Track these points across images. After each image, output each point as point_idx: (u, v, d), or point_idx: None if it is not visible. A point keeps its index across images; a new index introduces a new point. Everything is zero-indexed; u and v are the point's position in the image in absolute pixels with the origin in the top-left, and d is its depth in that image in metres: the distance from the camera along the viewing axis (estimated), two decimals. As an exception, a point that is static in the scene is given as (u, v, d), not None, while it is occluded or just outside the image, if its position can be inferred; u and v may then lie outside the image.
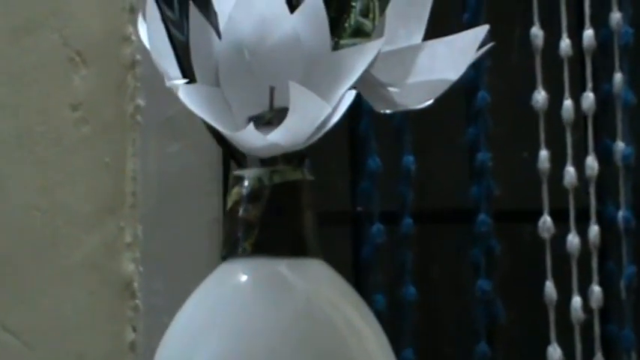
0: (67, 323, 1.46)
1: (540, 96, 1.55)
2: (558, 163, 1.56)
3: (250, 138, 0.73)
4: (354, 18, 0.77)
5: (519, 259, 1.62)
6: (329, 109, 0.74)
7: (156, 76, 0.81)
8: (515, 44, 1.64)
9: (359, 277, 1.56)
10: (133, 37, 1.49)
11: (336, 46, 0.77)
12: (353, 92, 0.74)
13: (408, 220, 1.53)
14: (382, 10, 0.77)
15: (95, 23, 1.48)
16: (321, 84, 0.75)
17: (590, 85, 1.58)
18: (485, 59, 1.54)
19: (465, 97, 1.57)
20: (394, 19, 0.80)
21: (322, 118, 0.74)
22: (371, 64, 0.76)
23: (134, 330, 1.46)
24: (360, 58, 0.75)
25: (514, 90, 1.63)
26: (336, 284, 0.82)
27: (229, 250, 0.79)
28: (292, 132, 0.73)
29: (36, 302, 1.45)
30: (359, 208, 1.57)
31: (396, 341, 1.51)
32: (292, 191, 0.79)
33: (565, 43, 1.56)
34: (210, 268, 0.81)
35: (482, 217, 1.55)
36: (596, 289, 1.55)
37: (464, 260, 1.58)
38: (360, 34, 0.77)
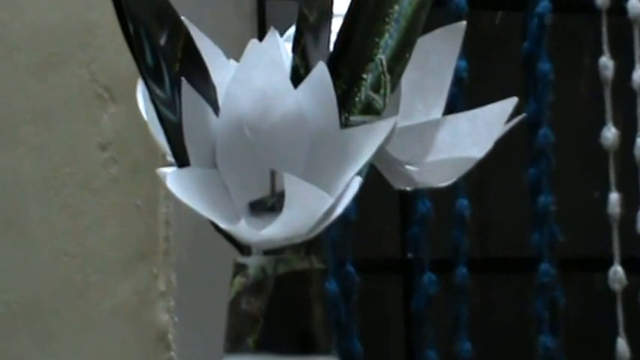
0: None
1: (610, 133, 1.56)
2: (631, 206, 1.58)
3: (244, 233, 0.72)
4: (364, 92, 0.76)
5: (587, 312, 1.61)
6: (331, 201, 0.73)
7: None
8: (583, 75, 1.65)
9: (410, 330, 1.58)
10: None
11: (345, 123, 0.76)
12: (359, 180, 0.73)
13: (462, 269, 1.54)
14: (393, 86, 0.76)
15: (124, 57, 1.46)
16: (327, 166, 0.75)
17: None
18: (549, 92, 1.56)
19: (527, 134, 1.58)
20: (410, 91, 0.79)
21: (324, 210, 0.72)
22: (382, 145, 0.74)
23: None
24: (370, 139, 0.74)
25: (581, 126, 1.64)
26: None
27: (232, 345, 0.77)
28: (290, 226, 0.72)
29: (65, 353, 1.46)
30: (409, 255, 1.59)
31: None
32: (299, 282, 0.77)
33: (638, 74, 1.57)
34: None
35: (544, 266, 1.55)
36: None
37: (525, 313, 1.58)
38: (371, 111, 0.76)
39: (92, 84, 1.47)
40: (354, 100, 0.76)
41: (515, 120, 0.80)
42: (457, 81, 1.52)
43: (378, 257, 1.57)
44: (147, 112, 0.79)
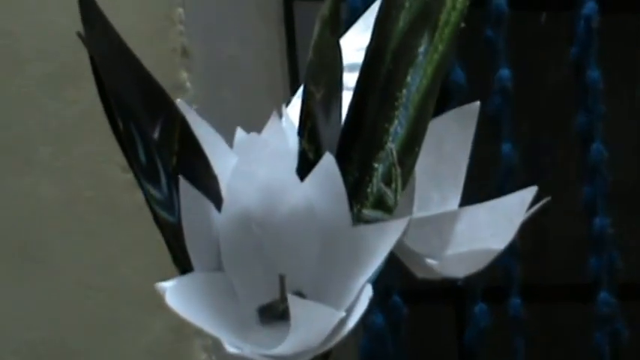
0: None
1: None
2: None
3: (251, 354, 0.72)
4: (376, 183, 0.76)
5: None
6: (341, 315, 0.73)
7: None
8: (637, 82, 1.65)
9: None
10: (187, 84, 1.49)
11: (358, 216, 0.76)
12: (370, 290, 0.73)
13: (516, 300, 1.53)
14: (405, 181, 0.77)
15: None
16: (339, 268, 0.75)
17: None
18: (600, 104, 1.54)
19: (579, 149, 1.57)
20: (425, 178, 0.80)
21: (333, 325, 0.72)
22: (395, 246, 0.74)
23: None
24: (382, 240, 0.74)
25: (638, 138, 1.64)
26: None
27: None
28: (300, 345, 0.72)
29: None
30: (459, 284, 1.57)
31: None
32: None
33: None
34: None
35: (604, 294, 1.54)
36: None
37: (586, 345, 1.57)
38: (383, 206, 0.76)
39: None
40: (365, 192, 0.77)
41: (538, 206, 0.81)
42: (501, 90, 1.53)
43: (427, 286, 1.58)
44: None
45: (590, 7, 1.54)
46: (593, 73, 1.54)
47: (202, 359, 1.50)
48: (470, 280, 1.50)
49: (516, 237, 1.56)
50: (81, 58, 1.49)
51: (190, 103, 1.40)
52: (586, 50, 1.55)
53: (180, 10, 1.50)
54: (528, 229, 1.59)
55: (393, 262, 0.77)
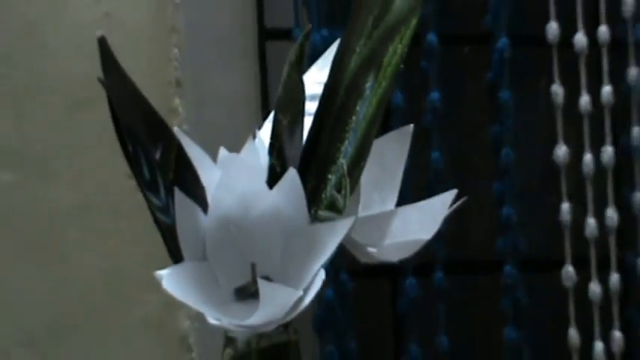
0: None
1: (561, 151, 1.55)
2: (580, 214, 1.56)
3: (229, 327, 0.73)
4: (329, 190, 0.76)
5: (545, 306, 1.60)
6: (299, 294, 0.73)
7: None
8: (539, 101, 1.63)
9: (398, 328, 1.57)
10: (180, 109, 1.47)
11: (315, 216, 0.75)
12: (323, 274, 0.73)
13: (439, 274, 1.53)
14: (352, 189, 0.76)
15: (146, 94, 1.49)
16: (298, 258, 0.74)
17: (609, 138, 1.57)
18: (509, 116, 1.55)
19: (492, 153, 1.57)
20: (369, 185, 0.78)
21: (293, 302, 0.72)
22: (343, 239, 0.74)
23: None
24: (333, 235, 0.74)
25: (539, 145, 1.63)
26: None
27: None
28: (266, 318, 0.72)
29: (104, 356, 1.46)
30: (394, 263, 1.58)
31: None
32: (279, 353, 0.77)
33: (584, 100, 1.56)
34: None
35: (508, 268, 1.55)
36: (617, 334, 1.55)
37: (495, 310, 1.56)
38: (334, 208, 0.75)
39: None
40: (321, 197, 0.76)
41: (457, 204, 0.81)
42: (432, 110, 1.53)
43: (369, 265, 1.58)
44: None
45: (503, 41, 1.54)
46: (505, 94, 1.55)
47: (186, 326, 1.47)
48: (402, 259, 1.50)
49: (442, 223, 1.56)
50: (93, 91, 1.48)
51: (181, 124, 1.43)
52: (499, 75, 1.55)
53: (176, 50, 1.48)
54: (452, 216, 1.61)
55: (342, 248, 0.77)
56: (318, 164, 0.77)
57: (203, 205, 0.75)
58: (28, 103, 1.46)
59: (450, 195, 0.80)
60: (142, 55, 1.48)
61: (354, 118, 0.77)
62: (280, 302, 0.72)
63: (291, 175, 0.73)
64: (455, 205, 0.80)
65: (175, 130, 0.76)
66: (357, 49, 0.77)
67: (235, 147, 0.77)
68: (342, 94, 0.77)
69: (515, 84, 1.56)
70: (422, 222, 0.80)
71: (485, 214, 1.61)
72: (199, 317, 1.44)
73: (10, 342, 1.43)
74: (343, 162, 0.76)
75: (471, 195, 1.70)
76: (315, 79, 0.81)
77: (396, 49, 0.76)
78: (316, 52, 1.45)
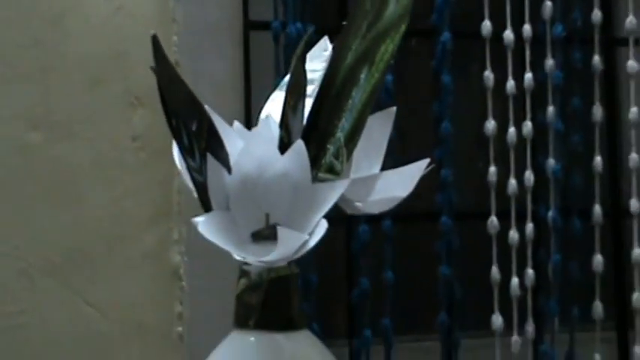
0: (131, 299, 1.45)
1: (490, 125, 1.57)
2: (503, 175, 1.57)
3: (252, 261, 0.75)
4: (328, 157, 0.77)
5: (473, 249, 1.60)
6: (305, 238, 0.74)
7: None
8: (474, 84, 1.62)
9: (351, 265, 1.56)
10: None
11: (316, 177, 0.77)
12: (325, 223, 0.74)
13: (387, 222, 1.52)
14: (349, 156, 0.77)
15: (149, 75, 1.42)
16: (303, 210, 0.75)
17: (529, 115, 1.58)
18: (449, 96, 1.55)
19: (434, 126, 1.57)
20: (359, 154, 0.80)
21: (301, 243, 0.74)
22: (340, 196, 0.76)
23: (181, 304, 1.46)
24: (332, 192, 0.76)
25: (472, 120, 1.63)
26: (317, 349, 0.81)
27: (239, 323, 0.79)
28: (281, 256, 0.74)
29: (109, 284, 1.44)
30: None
31: (377, 313, 1.51)
32: (283, 283, 0.79)
33: (510, 84, 1.57)
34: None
35: (444, 219, 1.55)
36: (530, 271, 1.56)
37: (432, 252, 1.57)
38: (332, 171, 0.77)
39: (126, 94, 1.45)
40: (321, 162, 0.78)
41: (427, 170, 0.82)
42: (386, 90, 1.49)
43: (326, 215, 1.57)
44: (180, 164, 0.80)
45: (446, 35, 1.54)
46: (446, 78, 1.55)
47: (177, 260, 1.45)
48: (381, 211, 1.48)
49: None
50: (108, 69, 1.42)
51: None
52: (441, 62, 1.55)
53: (175, 37, 1.46)
54: None
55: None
56: (318, 137, 0.78)
57: (227, 167, 0.76)
58: (53, 79, 1.43)
59: (423, 163, 0.82)
60: (147, 40, 1.40)
61: (350, 101, 0.78)
62: (291, 244, 0.74)
63: (298, 145, 0.75)
64: (426, 170, 0.82)
65: (207, 108, 0.77)
66: (353, 47, 0.78)
67: (222, 115, 0.78)
68: (339, 83, 0.78)
69: (453, 70, 1.56)
70: (401, 183, 0.81)
71: (427, 175, 1.62)
72: (188, 253, 1.45)
73: (35, 269, 1.40)
74: (341, 136, 0.77)
75: (412, 160, 1.68)
76: (311, 67, 0.82)
77: (387, 49, 0.78)
78: (291, 41, 1.49)
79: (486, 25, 1.56)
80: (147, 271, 1.46)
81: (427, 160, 0.81)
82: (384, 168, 0.81)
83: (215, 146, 0.76)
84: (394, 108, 0.82)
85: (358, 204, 0.81)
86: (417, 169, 0.81)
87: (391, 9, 0.77)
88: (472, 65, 1.64)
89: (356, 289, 1.52)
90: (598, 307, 1.56)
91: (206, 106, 0.77)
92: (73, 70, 1.44)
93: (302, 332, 0.80)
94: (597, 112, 1.60)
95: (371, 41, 0.78)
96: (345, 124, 0.78)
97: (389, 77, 1.49)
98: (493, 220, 1.55)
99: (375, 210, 0.81)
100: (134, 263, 1.46)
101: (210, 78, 1.48)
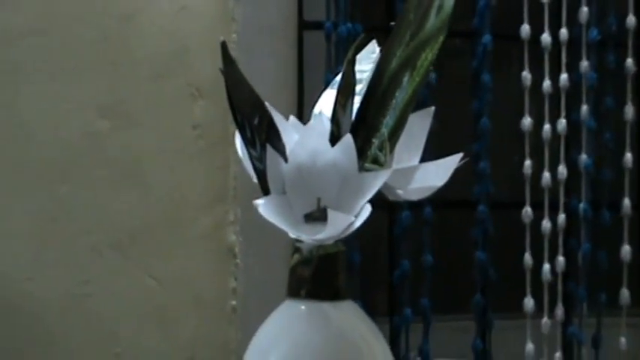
0: (190, 274, 1.48)
1: (527, 121, 1.60)
2: (538, 169, 1.60)
3: (305, 239, 0.78)
4: (373, 150, 0.80)
5: (507, 237, 1.62)
6: (352, 219, 0.77)
7: None
8: (512, 83, 1.64)
9: (392, 248, 1.59)
10: None
11: (362, 167, 0.79)
12: (369, 207, 0.77)
13: (428, 209, 1.56)
14: (392, 149, 0.80)
15: (207, 69, 1.47)
16: (350, 196, 0.78)
17: (563, 114, 1.61)
18: (488, 94, 1.58)
19: (473, 122, 1.60)
20: (401, 147, 0.82)
21: (348, 224, 0.77)
22: (384, 184, 0.78)
23: (235, 280, 1.49)
24: (375, 180, 0.78)
25: (510, 116, 1.65)
26: (359, 317, 0.84)
27: (291, 293, 0.83)
28: (329, 235, 0.77)
29: (170, 260, 1.47)
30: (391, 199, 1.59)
31: (416, 293, 1.54)
32: (331, 259, 0.82)
33: (546, 84, 1.60)
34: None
35: (481, 207, 1.59)
36: (560, 259, 1.60)
37: (468, 237, 1.60)
38: (377, 162, 0.80)
39: (188, 87, 1.49)
40: (367, 154, 0.80)
41: (462, 162, 0.83)
42: (427, 85, 1.50)
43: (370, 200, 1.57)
44: (242, 153, 0.83)
45: (486, 37, 1.57)
46: (485, 77, 1.58)
47: (233, 239, 1.49)
48: (419, 199, 1.48)
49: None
50: (171, 64, 1.44)
51: None
52: (482, 63, 1.58)
53: (234, 35, 1.50)
54: None
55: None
56: (365, 131, 0.80)
57: (284, 156, 0.79)
58: (121, 72, 1.46)
59: (457, 157, 0.83)
60: (209, 38, 1.47)
61: (393, 101, 0.81)
62: (339, 224, 0.77)
63: (347, 138, 0.78)
64: (460, 163, 0.84)
65: (267, 105, 0.79)
66: (397, 54, 0.81)
67: (277, 109, 0.80)
68: (385, 84, 0.81)
69: (493, 70, 1.58)
70: (437, 173, 0.83)
71: (466, 166, 1.64)
72: (242, 233, 1.49)
73: (104, 244, 1.44)
74: (385, 131, 0.80)
75: (454, 153, 1.69)
76: (359, 68, 0.84)
77: (427, 56, 0.81)
78: (342, 40, 1.55)
79: (525, 29, 1.59)
80: (204, 249, 1.49)
81: (461, 154, 0.83)
82: (422, 160, 0.85)
83: (274, 138, 0.79)
84: (432, 108, 0.84)
85: (399, 191, 0.82)
86: (452, 161, 0.83)
87: (432, 21, 0.81)
88: (510, 66, 1.66)
89: (397, 270, 1.55)
90: (625, 293, 1.60)
91: (266, 103, 0.79)
92: (140, 64, 1.46)
93: (347, 302, 0.83)
94: (629, 111, 1.63)
95: (413, 49, 0.80)
96: (389, 120, 0.80)
97: (432, 75, 1.52)
98: (527, 210, 1.59)
99: (414, 197, 0.83)
100: (193, 242, 1.49)
101: (266, 74, 1.51)
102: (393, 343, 1.57)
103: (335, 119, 0.80)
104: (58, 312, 1.42)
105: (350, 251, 1.51)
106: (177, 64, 1.48)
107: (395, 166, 0.82)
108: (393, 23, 1.38)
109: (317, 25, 1.54)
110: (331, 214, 0.77)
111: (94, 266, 1.44)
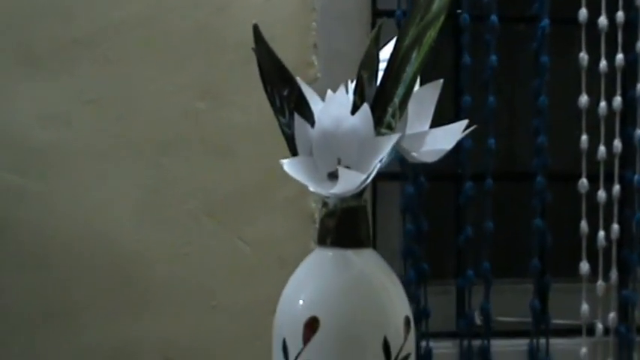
0: (275, 237, 1.49)
1: (583, 99, 1.60)
2: (594, 142, 1.60)
3: (322, 192, 0.83)
4: (388, 117, 0.85)
5: (566, 207, 1.62)
6: (363, 177, 0.81)
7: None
8: (570, 64, 1.64)
9: (458, 216, 1.61)
10: (315, 63, 1.50)
11: (378, 132, 0.84)
12: (379, 165, 0.81)
13: (489, 180, 1.58)
14: (401, 115, 0.85)
15: (291, 53, 1.47)
16: (366, 157, 0.83)
17: (619, 92, 1.61)
18: (545, 74, 1.57)
19: (533, 99, 1.60)
20: (413, 115, 0.87)
21: (361, 181, 0.82)
22: (394, 146, 0.83)
23: (314, 242, 1.51)
24: (388, 142, 0.83)
25: (567, 94, 1.64)
26: (378, 263, 0.88)
27: (320, 241, 0.88)
28: (342, 190, 0.82)
29: (258, 224, 1.49)
30: (459, 171, 1.59)
31: (479, 258, 1.56)
32: (353, 212, 0.87)
33: (603, 64, 1.60)
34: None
35: (538, 178, 1.60)
36: (615, 226, 1.60)
37: (528, 206, 1.60)
38: (390, 128, 0.85)
39: None
40: (383, 121, 0.85)
41: (469, 130, 0.87)
42: (490, 67, 1.55)
43: (438, 172, 1.56)
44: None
45: (545, 21, 1.58)
46: (544, 58, 1.58)
47: (313, 206, 1.49)
48: (464, 168, 1.48)
49: (493, 149, 1.53)
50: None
51: (316, 73, 1.48)
52: (541, 45, 1.58)
53: (314, 23, 1.51)
54: (502, 142, 1.58)
55: (402, 157, 0.85)
56: (383, 102, 0.85)
57: (311, 122, 0.84)
58: (215, 58, 1.47)
59: (463, 123, 0.86)
60: (291, 27, 1.50)
61: (404, 75, 0.85)
62: (352, 180, 0.82)
63: (365, 107, 0.83)
64: (468, 130, 0.87)
65: (297, 79, 0.85)
66: (410, 33, 0.86)
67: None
68: (399, 61, 0.85)
69: (552, 52, 1.58)
70: (445, 138, 0.87)
71: (527, 141, 1.61)
72: (321, 200, 1.52)
73: (199, 211, 1.46)
74: (397, 101, 0.85)
75: (515, 128, 1.68)
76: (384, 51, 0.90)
77: (431, 34, 0.85)
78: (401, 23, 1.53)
79: (583, 13, 1.58)
80: (288, 215, 1.50)
81: (466, 121, 0.87)
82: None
83: (302, 107, 0.84)
84: (441, 80, 0.87)
85: (414, 154, 0.86)
86: (458, 127, 0.87)
87: (436, 3, 0.85)
88: (569, 47, 1.64)
89: (461, 235, 1.56)
90: None
91: (297, 78, 0.85)
92: (231, 50, 1.46)
93: (367, 250, 0.87)
94: None
95: (422, 28, 0.85)
96: (400, 91, 0.85)
97: (493, 57, 1.55)
98: (583, 181, 1.59)
99: (427, 159, 0.87)
100: (278, 208, 1.49)
101: (343, 57, 1.50)
102: (459, 302, 1.60)
103: (358, 91, 0.86)
104: (163, 269, 1.46)
105: (417, 220, 1.54)
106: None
107: (408, 131, 0.87)
108: (459, 11, 1.47)
109: (389, 14, 1.55)
110: (342, 171, 0.81)
111: (192, 230, 1.46)
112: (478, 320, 1.57)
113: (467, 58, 1.54)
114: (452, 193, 1.58)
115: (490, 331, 1.56)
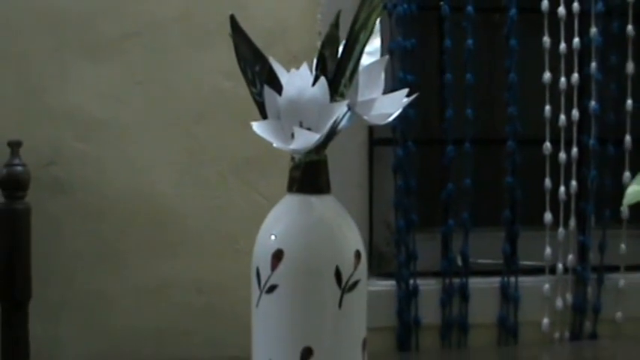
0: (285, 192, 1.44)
1: (547, 75, 1.59)
2: (557, 112, 1.60)
3: (284, 148, 0.82)
4: (341, 87, 0.84)
5: (531, 167, 1.61)
6: (317, 136, 0.80)
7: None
8: (537, 46, 1.62)
9: (442, 175, 1.59)
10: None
11: (333, 99, 0.83)
12: (335, 125, 0.82)
13: (467, 145, 1.57)
14: (350, 85, 0.84)
15: (301, 41, 1.49)
16: (323, 119, 0.82)
17: (576, 69, 1.60)
18: (515, 56, 1.56)
19: (505, 77, 1.59)
20: (363, 85, 0.85)
21: (315, 140, 0.81)
22: (344, 110, 0.82)
23: None
24: (340, 107, 0.82)
25: (533, 72, 1.63)
26: (335, 207, 0.87)
27: (289, 189, 0.87)
28: (299, 146, 0.81)
29: (273, 181, 1.45)
30: (443, 137, 1.58)
31: (459, 211, 1.54)
32: (315, 164, 0.86)
33: (563, 46, 1.59)
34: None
35: (509, 143, 1.60)
36: (573, 183, 1.60)
37: (500, 166, 1.60)
38: (342, 96, 0.84)
39: (287, 53, 1.48)
40: (338, 91, 0.84)
41: (410, 99, 0.84)
42: (467, 50, 1.54)
43: (426, 137, 1.55)
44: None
45: (513, 11, 1.55)
46: (513, 41, 1.56)
47: None
48: (447, 134, 1.46)
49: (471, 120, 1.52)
50: (273, 36, 1.45)
51: None
52: (510, 32, 1.56)
53: (319, 15, 1.50)
54: (480, 113, 1.57)
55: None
56: (339, 75, 0.83)
57: (279, 92, 0.83)
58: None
59: (405, 91, 0.85)
60: (301, 18, 1.50)
61: (354, 52, 0.83)
62: (307, 139, 0.81)
63: (322, 80, 0.82)
64: (411, 98, 0.85)
65: (270, 58, 0.83)
66: (361, 17, 0.85)
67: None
68: (352, 41, 0.83)
69: (521, 36, 1.57)
70: (391, 104, 0.85)
71: (501, 111, 1.61)
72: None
73: (226, 170, 1.47)
74: (347, 74, 0.83)
75: (492, 101, 1.68)
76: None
77: (374, 18, 0.85)
78: (399, 18, 1.53)
79: (544, 3, 1.58)
80: None
81: (407, 90, 0.85)
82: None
83: (272, 79, 0.83)
84: (387, 57, 0.86)
85: (365, 117, 0.85)
86: (401, 94, 0.86)
87: None
88: (536, 33, 1.62)
89: (445, 191, 1.56)
90: (625, 210, 1.58)
91: (270, 58, 0.84)
92: (252, 37, 1.52)
93: (327, 196, 0.86)
94: (629, 67, 1.60)
95: (369, 13, 0.83)
96: (350, 66, 0.84)
97: (470, 41, 1.54)
98: (547, 145, 1.58)
99: (377, 122, 0.85)
100: (287, 168, 1.44)
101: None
102: (443, 247, 1.60)
103: (320, 67, 0.83)
104: (195, 220, 1.45)
105: (408, 179, 1.54)
106: (278, 38, 1.48)
107: (359, 99, 0.87)
108: (442, 3, 1.47)
109: (383, 6, 1.56)
110: (297, 131, 0.80)
111: (220, 187, 1.47)
112: (458, 262, 1.59)
113: (448, 42, 1.53)
114: (437, 156, 1.57)
115: (468, 270, 1.56)
